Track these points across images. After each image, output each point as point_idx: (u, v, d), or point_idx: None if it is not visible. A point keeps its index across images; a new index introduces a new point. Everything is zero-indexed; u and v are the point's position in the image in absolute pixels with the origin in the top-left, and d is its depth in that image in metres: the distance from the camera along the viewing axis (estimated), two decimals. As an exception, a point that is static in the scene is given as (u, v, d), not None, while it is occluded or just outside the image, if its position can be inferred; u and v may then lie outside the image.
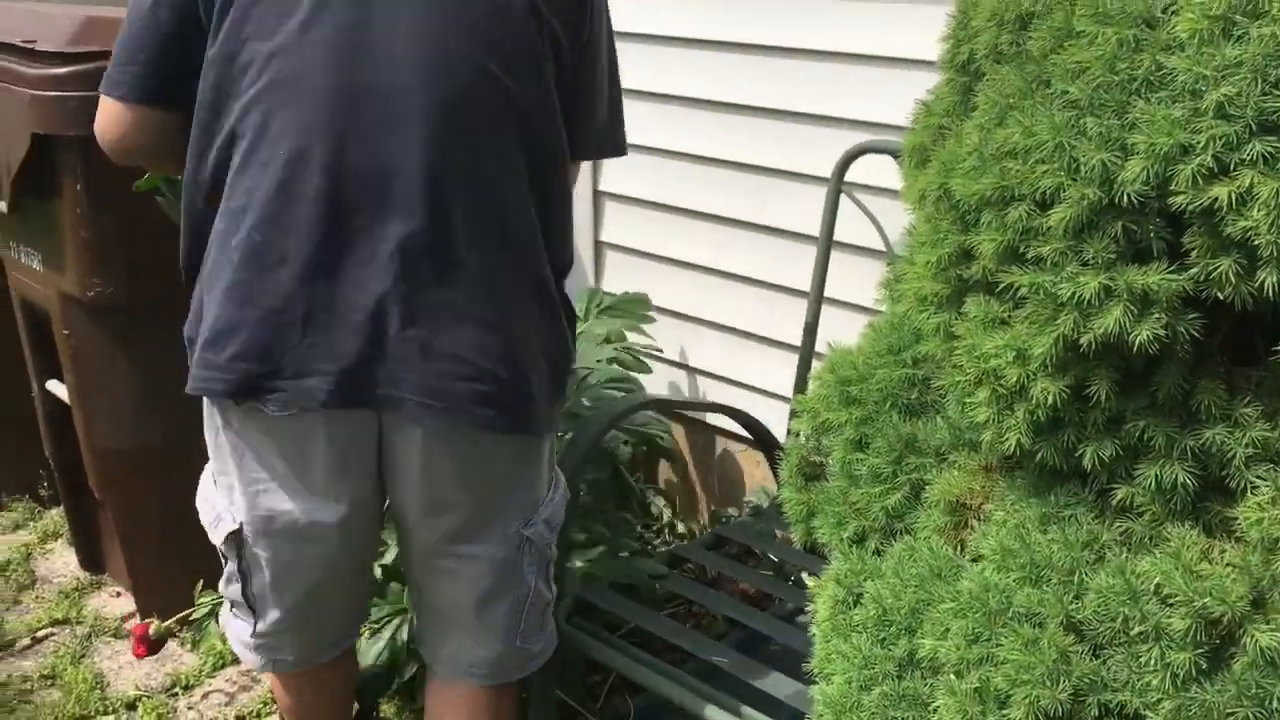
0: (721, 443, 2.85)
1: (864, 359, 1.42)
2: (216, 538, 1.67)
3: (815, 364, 2.29)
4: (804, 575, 2.32)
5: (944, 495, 1.21)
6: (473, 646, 1.70)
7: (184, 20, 1.47)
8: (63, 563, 2.96)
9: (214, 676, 2.53)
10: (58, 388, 2.63)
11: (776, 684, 1.83)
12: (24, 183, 2.31)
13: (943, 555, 1.15)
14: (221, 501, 1.66)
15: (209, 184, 1.51)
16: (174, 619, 2.23)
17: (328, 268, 1.43)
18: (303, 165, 1.41)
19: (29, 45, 2.23)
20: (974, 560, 1.13)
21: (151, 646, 2.26)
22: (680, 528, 2.87)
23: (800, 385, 2.27)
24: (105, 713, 2.41)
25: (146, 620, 2.24)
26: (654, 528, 2.86)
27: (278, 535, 1.61)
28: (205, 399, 1.63)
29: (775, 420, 2.46)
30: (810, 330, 2.27)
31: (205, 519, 1.71)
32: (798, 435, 1.52)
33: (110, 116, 1.58)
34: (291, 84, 1.40)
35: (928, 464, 1.28)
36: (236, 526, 1.63)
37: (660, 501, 2.88)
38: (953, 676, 1.04)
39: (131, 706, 2.42)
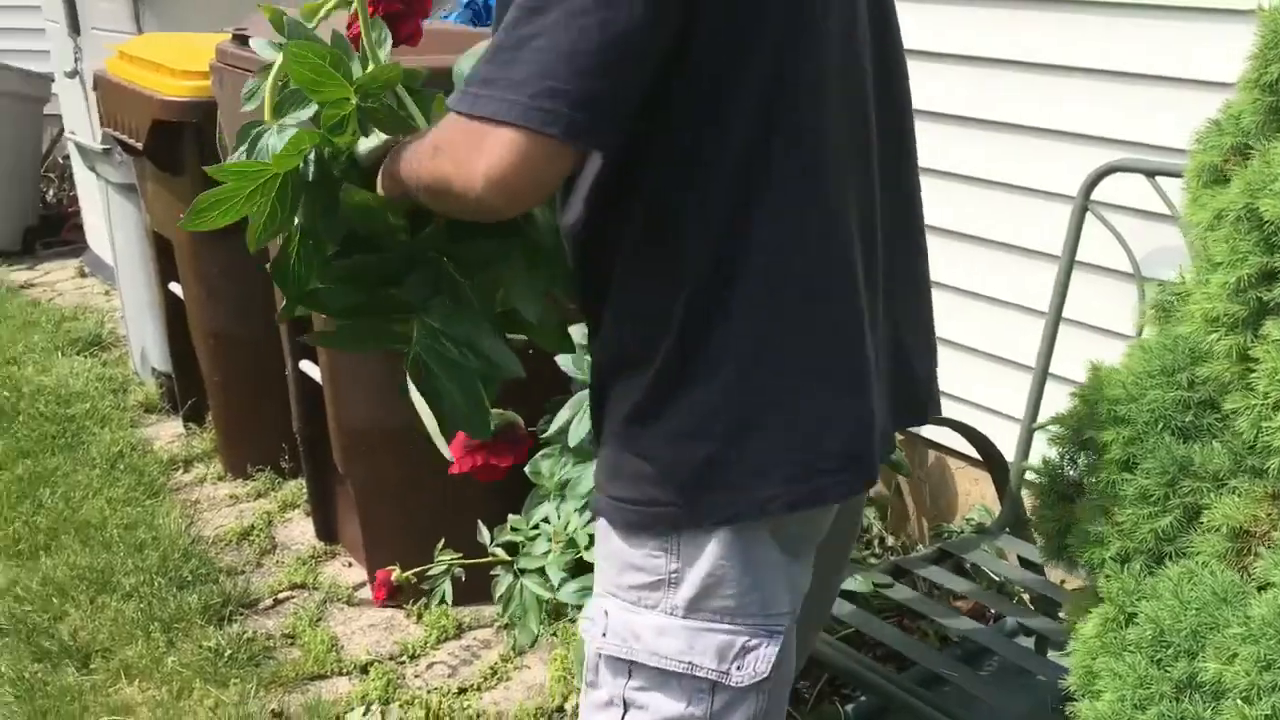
0: (934, 456, 2.83)
1: (1133, 379, 1.41)
2: (747, 676, 1.24)
3: (1049, 385, 2.27)
4: (1024, 594, 2.31)
5: (1226, 521, 1.19)
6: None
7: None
8: (299, 531, 3.16)
9: (438, 648, 2.66)
10: (310, 368, 2.81)
11: (1002, 698, 1.83)
12: (297, 175, 2.49)
13: (1227, 580, 1.14)
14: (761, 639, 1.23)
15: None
16: (413, 570, 2.38)
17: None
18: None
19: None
20: (1261, 588, 1.12)
21: (391, 593, 2.40)
22: (890, 540, 2.87)
23: (1034, 405, 2.25)
24: (340, 673, 2.57)
25: (389, 568, 2.39)
26: (862, 539, 2.86)
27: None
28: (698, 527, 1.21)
29: (998, 439, 2.44)
30: (1048, 350, 2.24)
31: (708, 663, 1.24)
32: (1058, 454, 1.52)
33: (518, 156, 1.05)
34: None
35: (1204, 488, 1.27)
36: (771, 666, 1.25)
37: (870, 512, 2.89)
38: (1241, 702, 1.03)
39: (364, 670, 2.58)
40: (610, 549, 1.26)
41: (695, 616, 1.21)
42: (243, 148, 1.27)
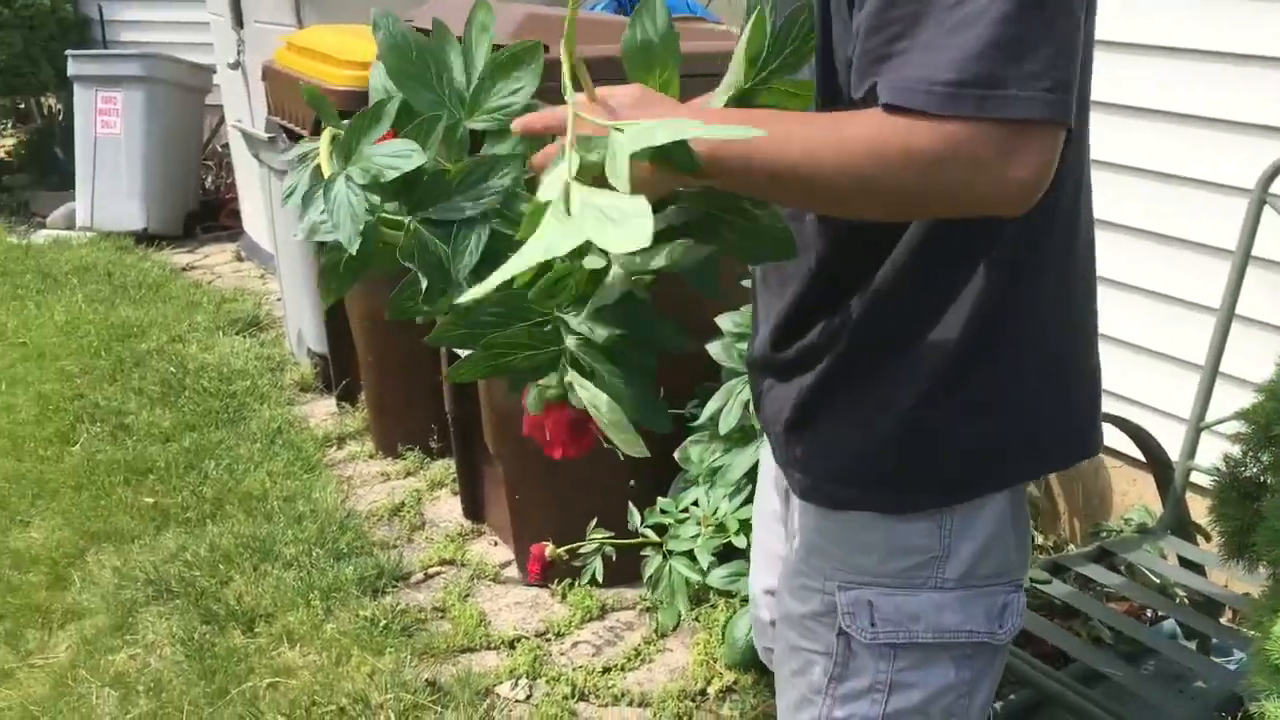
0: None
1: (1326, 375, 1.37)
2: (1009, 631, 1.28)
3: (1218, 384, 2.20)
4: (1184, 596, 2.25)
5: None
6: None
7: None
8: (447, 509, 3.25)
9: (582, 628, 2.71)
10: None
11: (1165, 698, 1.79)
12: (460, 162, 2.55)
13: None
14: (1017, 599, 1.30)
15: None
16: (566, 547, 2.43)
17: None
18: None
19: (477, 38, 2.47)
20: None
21: (544, 569, 2.47)
22: (1039, 539, 2.82)
23: (1203, 404, 2.19)
24: (488, 647, 2.64)
25: (543, 543, 2.45)
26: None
27: None
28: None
29: (1160, 437, 2.37)
30: (1219, 347, 2.18)
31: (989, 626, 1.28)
32: (1240, 451, 1.48)
33: (1052, 151, 0.98)
34: None
35: (1406, 487, 1.23)
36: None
37: (1019, 510, 2.84)
38: None
39: (511, 645, 2.64)
40: (867, 539, 1.25)
41: (968, 585, 1.23)
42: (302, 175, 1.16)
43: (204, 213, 6.06)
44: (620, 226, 0.82)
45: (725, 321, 2.54)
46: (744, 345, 2.46)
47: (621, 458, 1.21)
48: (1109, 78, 2.45)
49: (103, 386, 3.95)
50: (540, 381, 1.21)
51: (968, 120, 0.94)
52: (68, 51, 5.80)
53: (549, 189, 0.89)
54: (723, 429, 2.43)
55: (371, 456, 3.56)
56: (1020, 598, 1.26)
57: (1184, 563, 2.20)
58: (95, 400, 3.84)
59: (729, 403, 2.46)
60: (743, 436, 2.46)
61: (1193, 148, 2.34)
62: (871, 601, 1.26)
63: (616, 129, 0.91)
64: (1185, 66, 2.33)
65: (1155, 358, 2.51)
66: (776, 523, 1.52)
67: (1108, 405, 2.66)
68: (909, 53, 0.98)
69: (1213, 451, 2.08)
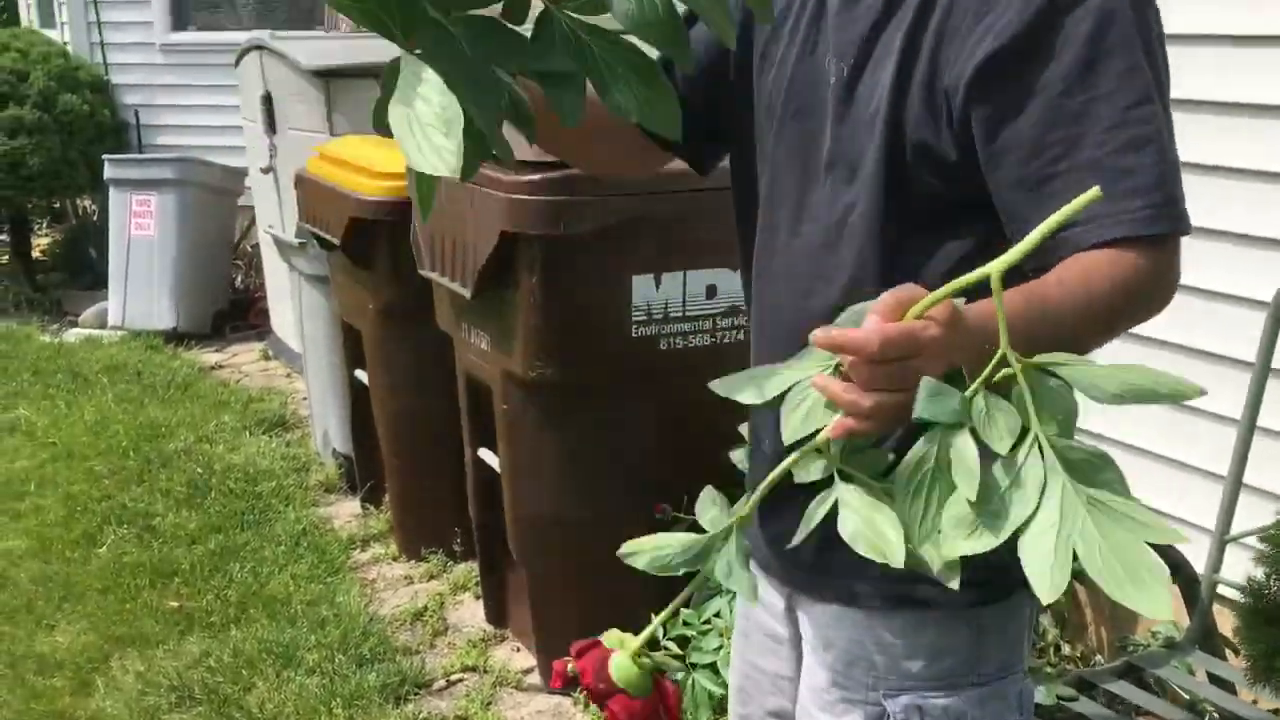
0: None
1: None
2: (1029, 712, 1.36)
3: (1244, 495, 2.20)
4: (1214, 713, 2.22)
5: None
6: None
7: None
8: (470, 614, 3.25)
9: (605, 738, 2.69)
10: (489, 456, 2.92)
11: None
12: (487, 274, 2.61)
13: None
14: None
15: None
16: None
17: None
18: None
19: (505, 154, 2.54)
20: None
21: (568, 682, 2.45)
22: (1066, 649, 2.79)
23: (1227, 516, 2.18)
24: (511, 758, 2.62)
25: (565, 659, 2.44)
26: (1037, 645, 2.79)
27: None
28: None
29: (1186, 549, 2.37)
30: (1241, 458, 2.18)
31: None
32: (1264, 574, 1.48)
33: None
34: None
35: None
36: None
37: (1046, 619, 2.82)
38: None
39: (533, 756, 2.62)
40: (918, 642, 1.28)
41: (1000, 677, 1.29)
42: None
43: (233, 311, 6.16)
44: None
45: (748, 429, 2.56)
46: (767, 454, 2.48)
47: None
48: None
49: (130, 488, 3.99)
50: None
51: (1168, 238, 1.09)
52: (105, 156, 5.97)
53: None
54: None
55: (395, 559, 3.57)
56: (1029, 680, 1.33)
57: (1213, 679, 2.18)
58: (123, 501, 3.87)
59: (752, 512, 2.46)
60: (766, 546, 2.46)
61: (1213, 261, 2.37)
62: (920, 705, 1.28)
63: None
64: (1210, 183, 2.37)
65: (1178, 468, 2.51)
66: (775, 644, 1.50)
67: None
68: (1083, 175, 1.09)
69: (1240, 563, 2.08)
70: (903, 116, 1.20)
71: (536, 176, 2.47)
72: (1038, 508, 0.87)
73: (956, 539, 0.90)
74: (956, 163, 1.18)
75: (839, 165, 1.27)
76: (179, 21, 6.68)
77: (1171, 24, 1.20)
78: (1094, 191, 0.91)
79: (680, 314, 2.68)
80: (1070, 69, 1.09)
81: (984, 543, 0.88)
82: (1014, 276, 1.01)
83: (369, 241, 3.26)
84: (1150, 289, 1.11)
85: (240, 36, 5.90)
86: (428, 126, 0.79)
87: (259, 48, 4.84)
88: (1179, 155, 1.11)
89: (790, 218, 1.35)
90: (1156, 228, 1.08)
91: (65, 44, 6.93)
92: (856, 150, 1.25)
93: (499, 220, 2.51)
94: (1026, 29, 1.10)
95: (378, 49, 5.01)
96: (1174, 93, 1.17)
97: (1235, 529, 2.19)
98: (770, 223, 1.39)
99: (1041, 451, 0.88)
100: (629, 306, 2.61)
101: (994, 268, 0.92)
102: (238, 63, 5.11)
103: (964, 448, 0.90)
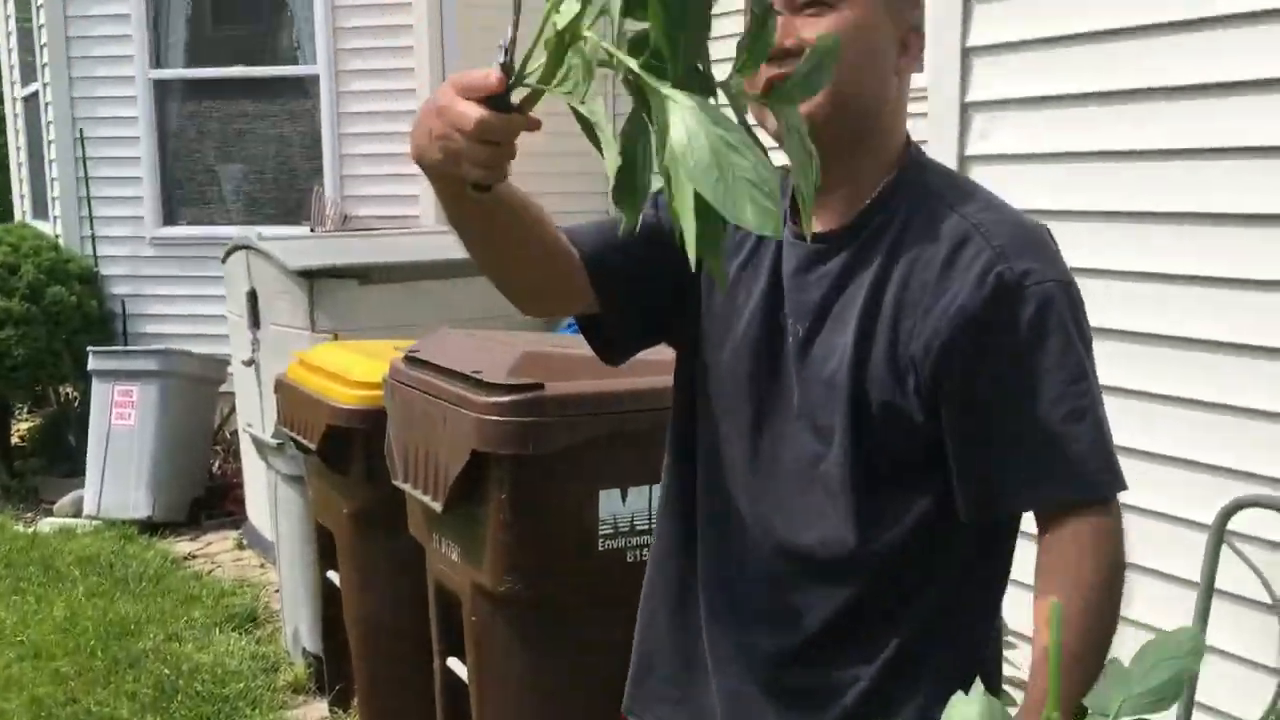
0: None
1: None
2: None
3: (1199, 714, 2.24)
4: None
5: None
6: None
7: None
8: (436, 827, 3.18)
9: None
10: (458, 666, 2.92)
11: None
12: (458, 489, 2.68)
13: None
14: None
15: None
16: None
17: None
18: None
19: (476, 375, 2.65)
20: None
21: None
22: None
23: (1181, 738, 2.22)
24: None
25: None
26: None
27: None
28: None
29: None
30: (1190, 681, 2.23)
31: None
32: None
33: None
34: None
35: None
36: None
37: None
38: None
39: None
40: None
41: None
42: None
43: (209, 498, 6.17)
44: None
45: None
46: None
47: None
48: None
49: (96, 690, 3.94)
50: None
51: (1112, 502, 1.26)
52: (89, 349, 6.08)
53: None
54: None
55: (362, 767, 3.52)
56: None
57: None
58: (88, 705, 3.83)
59: None
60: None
61: (1158, 483, 2.46)
62: None
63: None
64: (1152, 410, 2.48)
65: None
66: None
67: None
68: (1033, 440, 1.25)
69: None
70: (865, 380, 1.32)
71: (506, 399, 2.56)
72: None
73: None
74: (923, 423, 1.31)
75: (804, 418, 1.37)
76: (169, 216, 6.90)
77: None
78: None
79: (646, 525, 2.74)
80: (1019, 346, 1.25)
81: None
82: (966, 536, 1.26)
83: (344, 448, 3.33)
84: (1116, 549, 1.26)
85: (228, 231, 6.11)
86: (751, 186, 0.78)
87: (246, 247, 5.01)
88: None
89: (747, 455, 1.44)
90: (1098, 492, 1.24)
91: (57, 236, 7.13)
92: (822, 407, 1.35)
93: (470, 439, 2.59)
94: (981, 311, 1.25)
95: (359, 249, 5.22)
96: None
97: (1192, 749, 2.22)
98: (720, 457, 1.47)
99: None
100: (596, 520, 2.67)
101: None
102: (225, 260, 5.27)
103: None
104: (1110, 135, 2.52)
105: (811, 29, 1.26)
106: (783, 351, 1.40)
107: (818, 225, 1.37)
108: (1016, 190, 2.65)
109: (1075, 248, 2.36)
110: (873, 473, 1.34)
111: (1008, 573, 1.41)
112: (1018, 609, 1.40)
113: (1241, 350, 2.30)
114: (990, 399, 1.28)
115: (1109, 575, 1.25)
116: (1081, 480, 1.24)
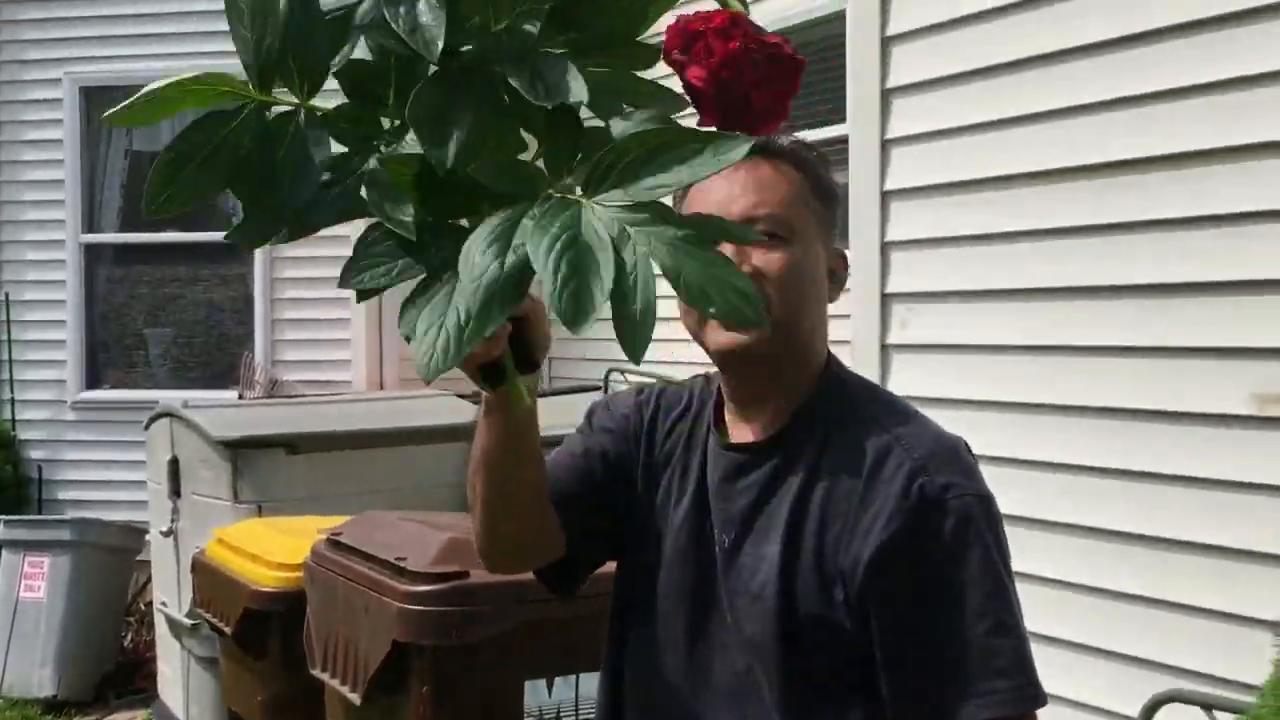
0: None
1: None
2: None
3: None
4: None
5: None
6: None
7: None
8: None
9: None
10: None
11: None
12: (377, 680, 2.60)
13: None
14: None
15: None
16: None
17: None
18: None
19: (400, 562, 2.59)
20: None
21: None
22: None
23: None
24: None
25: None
26: None
27: None
28: None
29: None
30: None
31: None
32: None
33: None
34: None
35: None
36: None
37: None
38: None
39: None
40: None
41: None
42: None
43: (119, 673, 5.91)
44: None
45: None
46: None
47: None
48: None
49: None
50: None
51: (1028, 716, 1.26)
52: (0, 517, 5.88)
53: None
54: None
55: None
56: None
57: None
58: None
59: None
60: None
61: (1083, 674, 2.47)
62: None
63: None
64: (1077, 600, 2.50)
65: None
66: None
67: None
68: (956, 656, 1.27)
69: None
70: (794, 590, 1.33)
71: (428, 587, 2.51)
72: None
73: None
74: (852, 631, 1.31)
75: (734, 629, 1.37)
76: (93, 379, 6.79)
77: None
78: None
79: (573, 715, 2.67)
80: (941, 558, 1.27)
81: None
82: None
83: (261, 632, 3.23)
84: None
85: (153, 395, 6.02)
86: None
87: (170, 414, 4.93)
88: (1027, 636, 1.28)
89: (683, 663, 1.42)
90: (1021, 708, 1.25)
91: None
92: (750, 619, 1.35)
93: (391, 629, 2.53)
94: (906, 521, 1.27)
95: (288, 418, 5.15)
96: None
97: None
98: (657, 663, 1.45)
99: None
100: (520, 712, 2.60)
101: None
102: (148, 426, 5.17)
103: None
104: (1025, 332, 2.61)
105: (763, 260, 1.33)
106: (712, 561, 1.41)
107: (744, 436, 1.41)
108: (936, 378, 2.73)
109: (990, 438, 2.41)
110: (804, 686, 1.33)
111: None
112: None
113: (1159, 543, 2.34)
114: (915, 614, 1.28)
115: None
116: (1002, 695, 1.25)
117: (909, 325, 2.76)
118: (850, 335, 2.70)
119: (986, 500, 1.32)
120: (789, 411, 1.39)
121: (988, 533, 1.30)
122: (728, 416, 1.45)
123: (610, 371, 4.88)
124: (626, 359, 0.77)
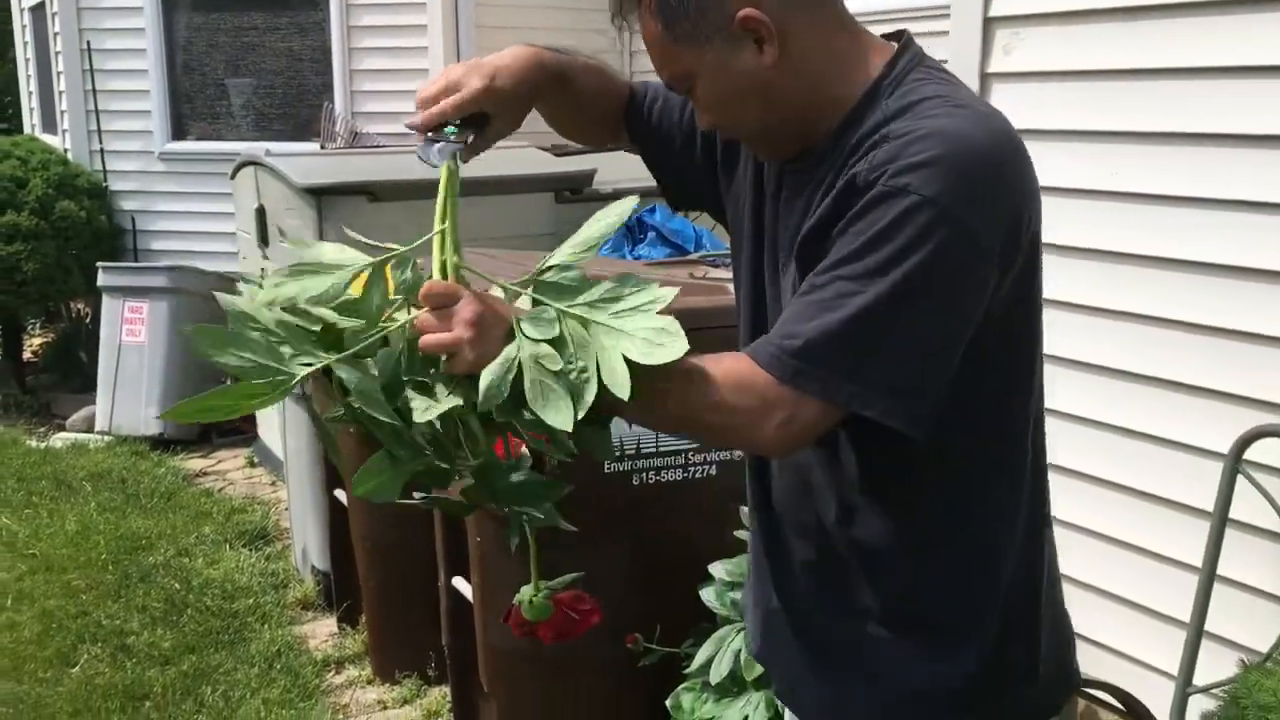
0: (1084, 705, 2.75)
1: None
2: None
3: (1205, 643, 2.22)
4: None
5: None
6: None
7: None
8: (442, 742, 3.22)
9: None
10: (463, 584, 2.92)
11: None
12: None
13: None
14: None
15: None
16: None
17: None
18: None
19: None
20: None
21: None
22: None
23: (1189, 667, 2.20)
24: None
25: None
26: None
27: None
28: None
29: (1152, 695, 2.37)
30: (1201, 610, 2.20)
31: None
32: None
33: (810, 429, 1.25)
34: None
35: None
36: None
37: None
38: None
39: None
40: None
41: None
42: None
43: (221, 416, 6.17)
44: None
45: (718, 569, 2.58)
46: (737, 593, 2.49)
47: None
48: (1092, 341, 2.56)
49: (107, 603, 3.98)
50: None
51: (786, 385, 1.18)
52: (99, 264, 6.04)
53: None
54: (713, 678, 2.44)
55: (370, 682, 3.55)
56: None
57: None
58: (98, 619, 3.86)
59: (721, 651, 2.47)
60: (735, 687, 2.46)
61: (1173, 411, 2.41)
62: None
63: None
64: (1169, 336, 2.42)
65: (1142, 613, 2.53)
66: None
67: (1100, 660, 2.68)
68: (792, 322, 1.21)
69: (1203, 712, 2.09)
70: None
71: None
72: None
73: None
74: None
75: None
76: (178, 131, 6.82)
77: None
78: None
79: (653, 449, 2.71)
80: (853, 229, 1.20)
81: None
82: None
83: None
84: (745, 405, 1.20)
85: (237, 146, 6.03)
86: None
87: (254, 163, 4.95)
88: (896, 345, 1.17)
89: None
90: (775, 368, 1.19)
91: (66, 150, 7.06)
92: None
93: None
94: (833, 206, 1.24)
95: (369, 167, 5.14)
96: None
97: (1199, 677, 2.20)
98: None
99: None
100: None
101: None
102: (234, 175, 5.21)
103: None
104: (1134, 56, 2.43)
105: (699, 108, 1.37)
106: (770, 281, 1.44)
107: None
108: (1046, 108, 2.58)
109: (1095, 169, 2.29)
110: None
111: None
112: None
113: (1261, 276, 2.24)
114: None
115: (727, 400, 1.21)
116: (765, 349, 1.21)
117: (1013, 52, 2.59)
118: (948, 60, 2.55)
119: (942, 209, 1.16)
120: (826, 134, 1.32)
121: (914, 235, 1.15)
122: None
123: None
124: None
